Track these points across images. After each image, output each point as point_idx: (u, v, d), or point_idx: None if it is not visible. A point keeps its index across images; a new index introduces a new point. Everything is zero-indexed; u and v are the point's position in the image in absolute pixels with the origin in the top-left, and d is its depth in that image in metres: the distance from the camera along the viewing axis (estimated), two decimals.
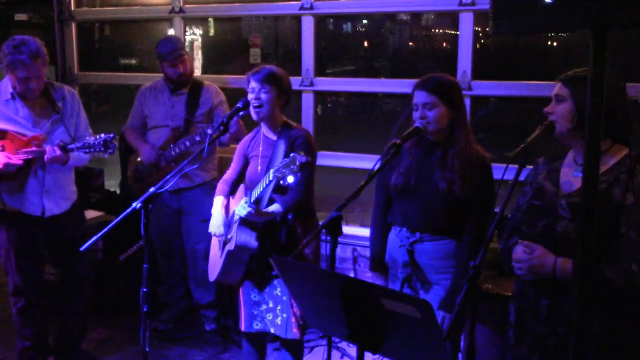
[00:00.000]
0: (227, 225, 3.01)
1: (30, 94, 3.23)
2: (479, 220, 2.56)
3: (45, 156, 3.16)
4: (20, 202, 3.31)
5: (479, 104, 4.07)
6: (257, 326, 3.02)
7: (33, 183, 3.30)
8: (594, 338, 2.02)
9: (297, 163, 2.46)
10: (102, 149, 3.13)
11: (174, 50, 3.90)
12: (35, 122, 3.30)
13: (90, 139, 3.16)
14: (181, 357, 3.87)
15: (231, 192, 3.12)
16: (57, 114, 3.32)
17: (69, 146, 3.17)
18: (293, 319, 2.90)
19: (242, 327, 3.07)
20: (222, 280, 3.04)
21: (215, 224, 3.03)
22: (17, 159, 3.16)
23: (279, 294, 2.93)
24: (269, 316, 2.97)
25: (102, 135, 3.15)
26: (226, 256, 2.91)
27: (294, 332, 2.91)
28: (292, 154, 2.50)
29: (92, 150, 3.15)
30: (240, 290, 3.07)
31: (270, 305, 2.96)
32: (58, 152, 3.14)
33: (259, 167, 2.95)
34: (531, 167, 2.36)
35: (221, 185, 3.15)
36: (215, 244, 3.13)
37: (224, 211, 3.06)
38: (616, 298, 2.01)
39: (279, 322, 2.93)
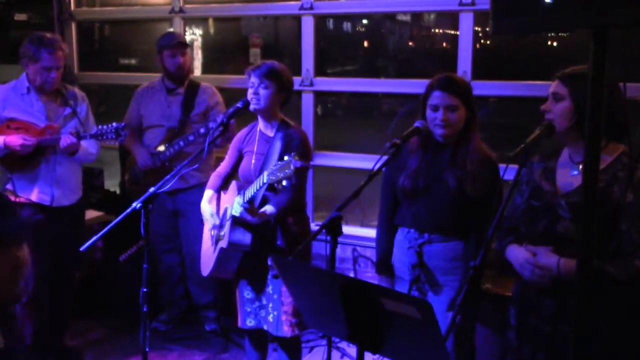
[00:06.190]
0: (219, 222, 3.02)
1: (50, 84, 3.40)
2: (488, 219, 2.53)
3: (61, 142, 3.32)
4: (31, 190, 3.43)
5: (479, 104, 4.05)
6: (250, 323, 3.03)
7: (44, 172, 3.44)
8: (599, 337, 2.01)
9: (292, 167, 2.43)
10: (114, 135, 3.34)
11: (175, 38, 4.00)
12: (49, 115, 3.47)
13: (103, 127, 3.37)
14: (181, 357, 3.87)
15: (223, 186, 3.12)
16: (69, 107, 3.50)
17: (83, 133, 3.36)
18: (283, 317, 2.91)
19: (239, 324, 3.10)
20: (215, 275, 3.05)
21: (206, 218, 3.03)
22: (32, 139, 3.31)
23: (271, 291, 2.94)
24: (262, 313, 2.99)
25: (114, 123, 3.37)
26: (219, 253, 2.91)
27: (285, 330, 2.91)
28: (287, 157, 2.47)
29: (104, 137, 3.36)
30: (236, 288, 3.08)
31: (264, 302, 2.97)
32: (74, 138, 3.31)
33: (253, 164, 2.95)
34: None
35: (213, 179, 3.16)
36: (207, 238, 3.12)
37: (214, 204, 3.06)
38: (619, 293, 2.00)
39: (271, 320, 2.94)
